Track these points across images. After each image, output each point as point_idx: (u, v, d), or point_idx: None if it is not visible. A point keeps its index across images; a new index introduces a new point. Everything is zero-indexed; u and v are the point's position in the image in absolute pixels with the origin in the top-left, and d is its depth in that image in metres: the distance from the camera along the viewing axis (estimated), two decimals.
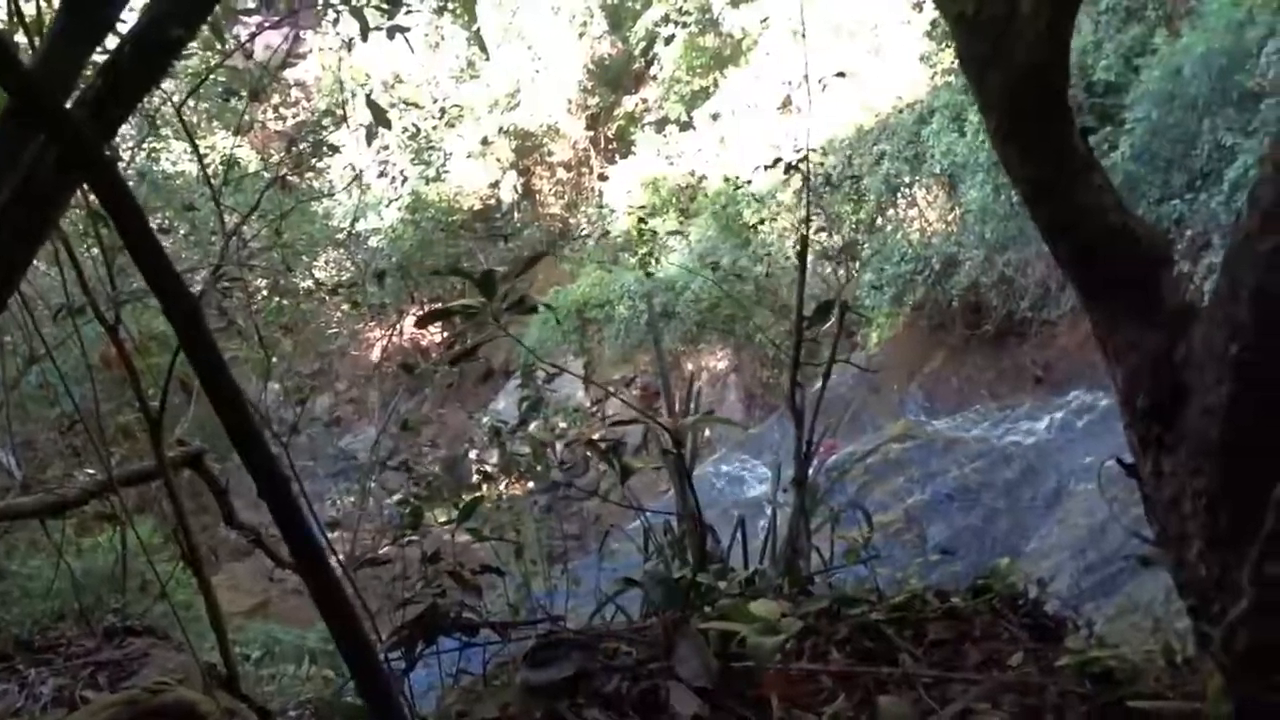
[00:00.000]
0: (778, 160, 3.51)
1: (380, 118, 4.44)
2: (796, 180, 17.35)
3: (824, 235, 16.88)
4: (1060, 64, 1.86)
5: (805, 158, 3.43)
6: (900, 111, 15.88)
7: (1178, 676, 1.99)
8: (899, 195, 15.64)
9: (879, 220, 15.96)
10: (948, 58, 15.90)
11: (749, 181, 14.31)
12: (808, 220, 3.23)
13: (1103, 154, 12.40)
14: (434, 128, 22.33)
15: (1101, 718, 1.86)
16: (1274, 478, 1.69)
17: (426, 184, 22.67)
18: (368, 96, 4.46)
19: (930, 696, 1.97)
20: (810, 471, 3.88)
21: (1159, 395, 1.93)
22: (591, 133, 24.60)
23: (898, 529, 7.20)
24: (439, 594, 2.79)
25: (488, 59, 24.42)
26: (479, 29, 24.21)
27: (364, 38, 5.00)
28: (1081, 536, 6.45)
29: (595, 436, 2.36)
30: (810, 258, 3.79)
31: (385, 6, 5.18)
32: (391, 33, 5.21)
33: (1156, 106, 11.64)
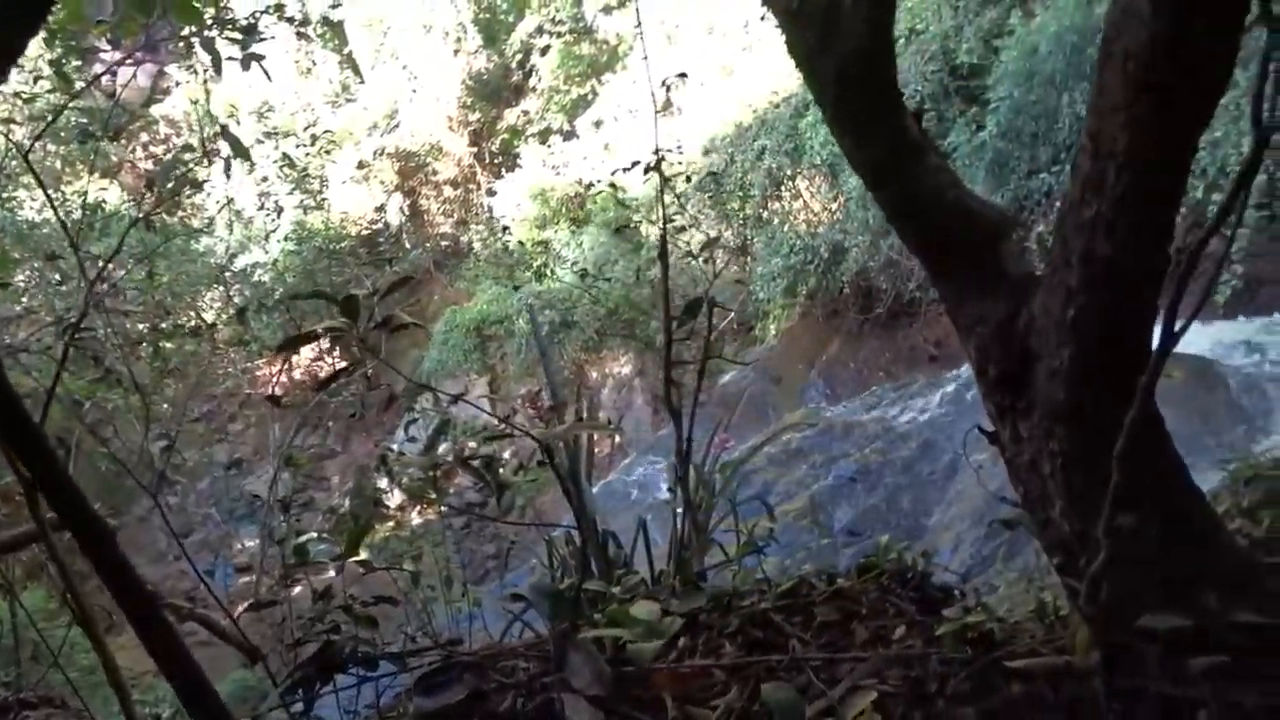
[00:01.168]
0: (635, 163, 3.53)
1: (238, 149, 4.31)
2: (679, 182, 17.53)
3: (711, 233, 17.09)
4: (885, 51, 1.91)
5: (662, 159, 3.46)
6: (777, 106, 16.16)
7: (1052, 632, 2.05)
8: (782, 188, 15.90)
9: (765, 214, 16.19)
10: None
11: (623, 189, 14.42)
12: (664, 223, 3.23)
13: (972, 133, 12.83)
14: (308, 155, 21.85)
15: (981, 680, 1.91)
16: (1119, 435, 1.76)
17: (306, 213, 22.17)
18: (223, 128, 4.31)
19: (820, 679, 1.99)
20: (705, 468, 3.91)
21: (1008, 364, 2.00)
22: (475, 148, 24.40)
23: (804, 516, 7.33)
24: (332, 630, 2.73)
25: (362, 82, 24.04)
26: (350, 52, 23.83)
27: (217, 70, 4.84)
28: (979, 506, 6.65)
29: (468, 453, 2.32)
30: (700, 257, 3.82)
31: (238, 37, 5.04)
32: (246, 62, 5.06)
33: (1017, 85, 12.08)
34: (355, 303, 2.02)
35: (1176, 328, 1.61)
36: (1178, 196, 1.71)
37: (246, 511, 20.35)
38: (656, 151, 3.30)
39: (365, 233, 23.87)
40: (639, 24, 20.44)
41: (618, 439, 19.93)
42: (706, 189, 16.47)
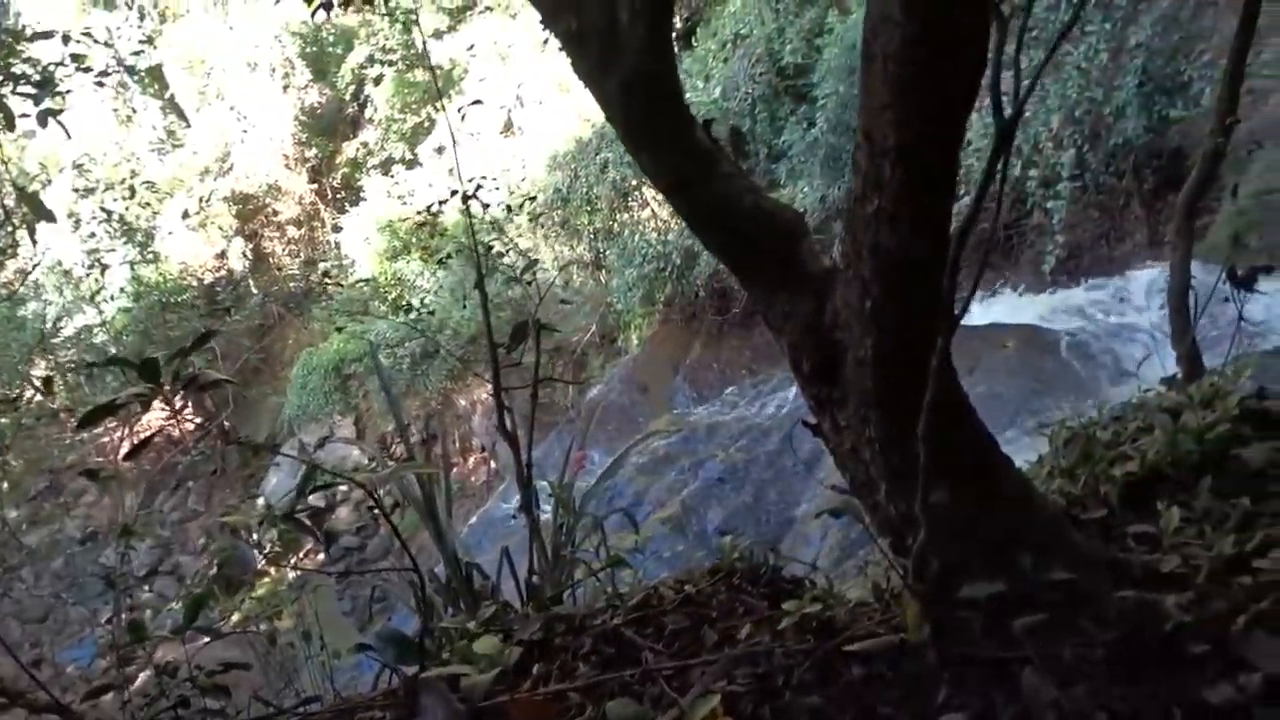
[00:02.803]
0: (455, 192, 3.50)
1: (37, 211, 4.08)
2: (527, 205, 17.50)
3: (564, 250, 17.14)
4: (666, 67, 1.95)
5: (478, 187, 3.44)
6: None
7: (888, 612, 2.13)
8: (629, 199, 16.07)
9: (615, 226, 16.33)
10: None
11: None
12: (476, 248, 3.22)
13: (804, 130, 13.26)
14: (127, 208, 20.87)
15: (823, 667, 1.96)
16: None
17: (133, 268, 21.17)
18: (20, 189, 4.08)
19: (671, 688, 2.00)
20: (565, 486, 3.90)
21: (818, 357, 2.07)
22: (316, 185, 23.80)
23: (676, 521, 7.41)
24: (180, 704, 2.61)
25: (188, 126, 23.12)
26: (172, 96, 22.89)
27: (9, 127, 4.59)
28: (843, 493, 6.82)
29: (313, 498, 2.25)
30: (525, 280, 3.79)
31: (32, 92, 4.77)
32: (43, 119, 4.80)
33: (840, 81, 12.54)
34: (155, 366, 1.94)
35: (957, 309, 1.69)
36: (952, 185, 1.80)
37: (105, 588, 19.26)
38: (472, 179, 3.28)
39: (208, 281, 22.96)
40: (471, 46, 20.36)
41: (494, 465, 19.74)
42: (555, 205, 16.51)
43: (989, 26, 1.63)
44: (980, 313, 11.35)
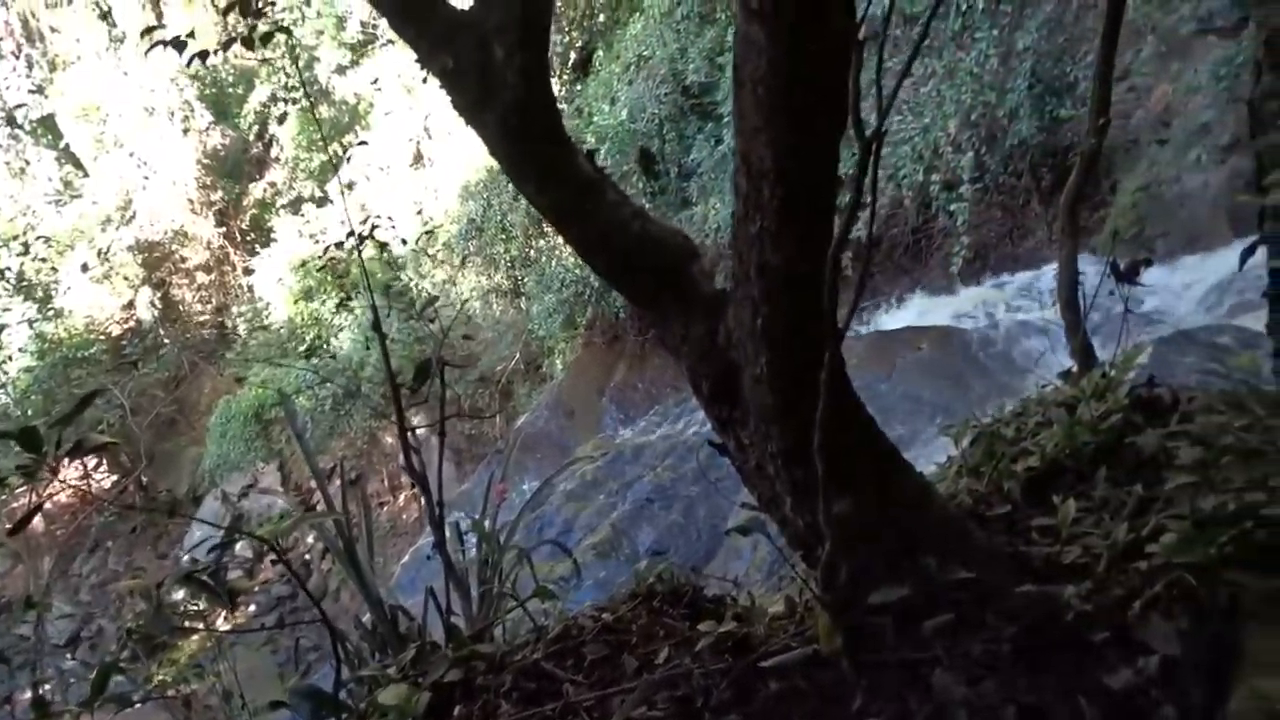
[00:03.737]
0: (351, 233, 3.46)
1: None
2: (440, 235, 17.37)
3: (482, 279, 17.04)
4: (544, 100, 1.96)
5: (373, 227, 3.41)
6: None
7: (803, 624, 2.15)
8: (544, 225, 16.05)
9: (531, 253, 16.30)
10: (556, 86, 16.54)
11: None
12: (370, 291, 3.19)
13: (712, 147, 13.41)
14: (24, 263, 20.18)
15: (741, 685, 1.97)
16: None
17: (32, 325, 20.45)
18: None
19: (594, 718, 2.00)
20: (487, 520, 3.87)
21: (716, 377, 2.09)
22: (224, 228, 23.29)
23: (608, 545, 7.39)
24: None
25: (86, 176, 22.47)
26: (67, 145, 22.23)
27: None
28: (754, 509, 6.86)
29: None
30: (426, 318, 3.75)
31: None
32: None
33: None
34: (35, 435, 1.87)
35: (853, 318, 1.73)
36: (831, 202, 1.83)
37: (26, 660, 18.46)
38: (365, 221, 3.24)
39: (116, 334, 22.28)
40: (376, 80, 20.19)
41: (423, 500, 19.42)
42: (470, 236, 16.42)
43: (851, 49, 1.68)
44: (895, 316, 11.59)
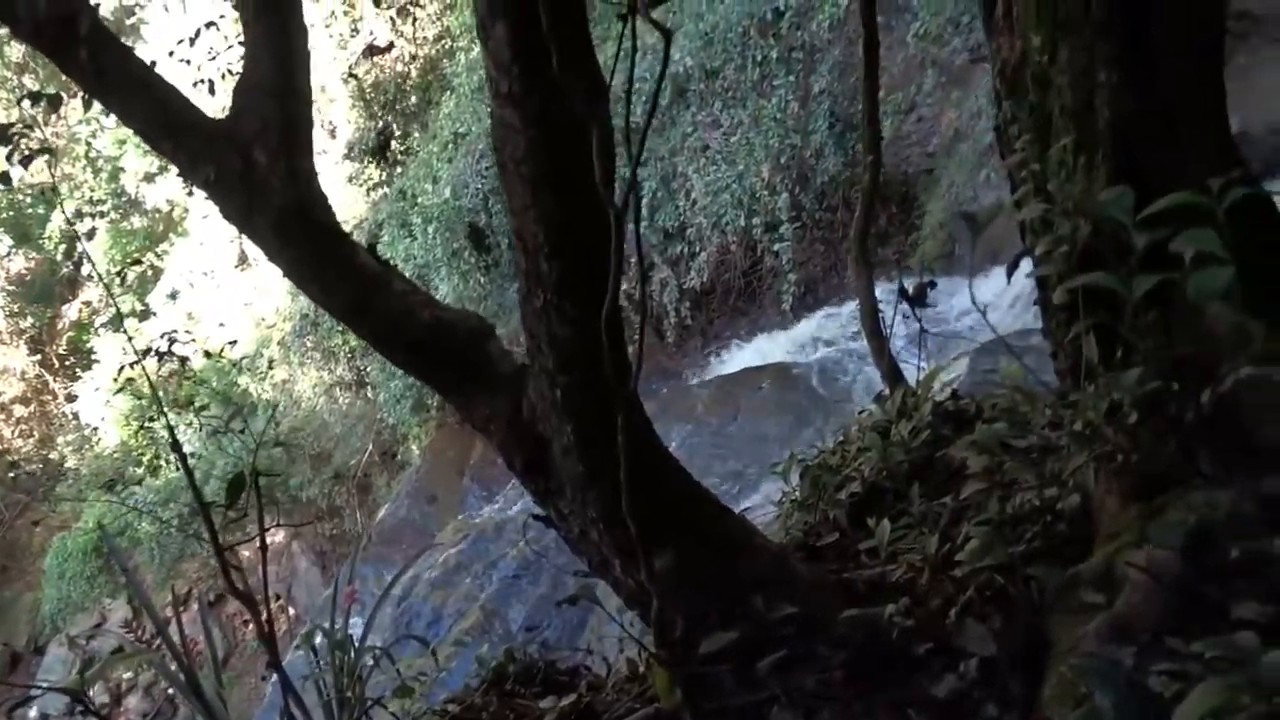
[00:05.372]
0: (147, 352, 3.33)
1: None
2: (275, 335, 16.84)
3: (324, 374, 16.61)
4: (318, 199, 1.96)
5: (171, 343, 3.30)
6: (351, 234, 16.05)
7: (645, 684, 2.16)
8: None
9: None
10: (373, 173, 16.43)
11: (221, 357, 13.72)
12: (164, 410, 3.08)
13: None
14: None
15: None
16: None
17: None
18: None
19: None
20: (338, 626, 3.73)
21: (526, 452, 2.10)
22: (39, 356, 21.94)
23: (479, 628, 7.23)
24: None
25: None
26: None
27: None
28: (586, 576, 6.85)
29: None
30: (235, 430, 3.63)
31: None
32: None
33: None
34: None
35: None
36: (604, 269, 1.88)
37: None
38: (164, 335, 3.12)
39: None
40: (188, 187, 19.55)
41: (292, 611, 18.62)
42: (305, 331, 16.00)
43: (606, 123, 1.74)
44: (737, 357, 11.87)
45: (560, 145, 1.70)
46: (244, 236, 1.96)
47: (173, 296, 19.91)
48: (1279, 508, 1.85)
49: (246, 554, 18.90)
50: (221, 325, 18.30)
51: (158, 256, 20.19)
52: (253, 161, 1.87)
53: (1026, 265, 2.55)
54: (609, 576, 2.22)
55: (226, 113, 1.92)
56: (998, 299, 9.37)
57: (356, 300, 2.02)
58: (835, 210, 11.88)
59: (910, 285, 3.11)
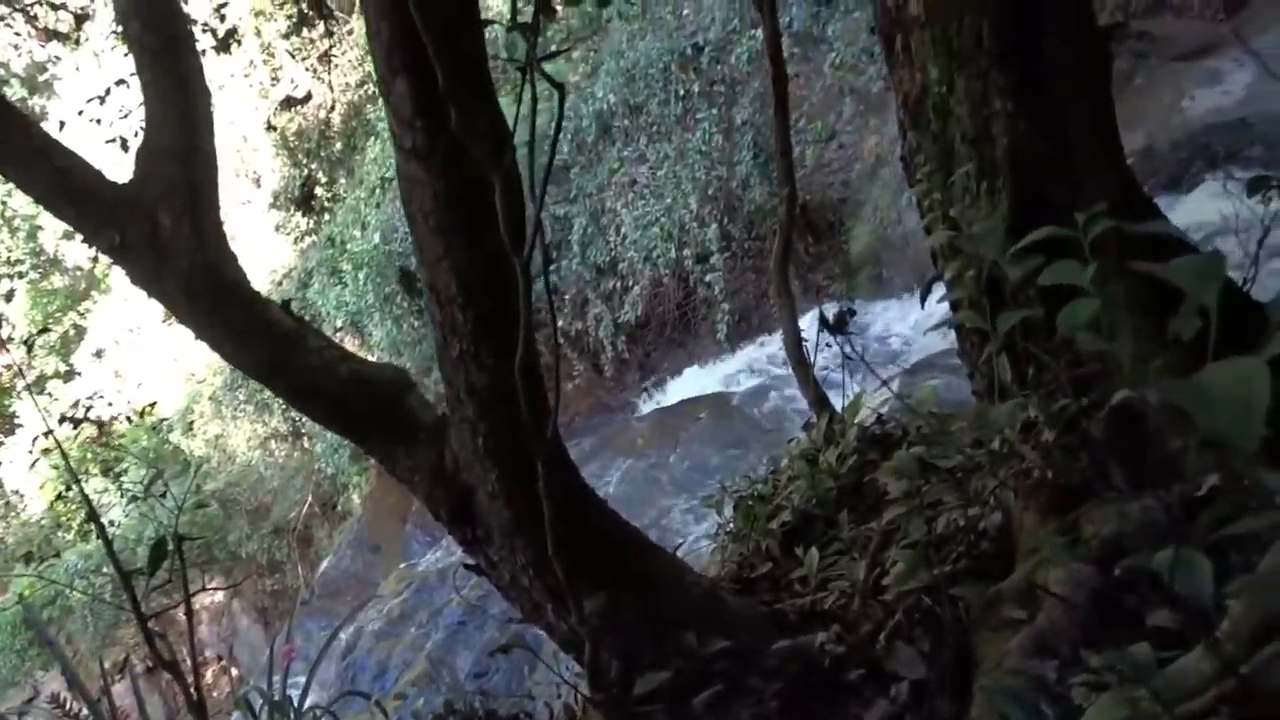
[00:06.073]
0: (64, 419, 3.24)
1: None
2: (206, 390, 16.52)
3: (258, 427, 16.31)
4: (227, 259, 1.94)
5: (88, 409, 3.22)
6: (280, 284, 15.88)
7: None
8: None
9: None
10: (300, 221, 16.26)
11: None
12: (78, 480, 3.01)
13: None
14: None
15: None
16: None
17: None
18: None
19: None
20: (277, 685, 3.66)
21: (452, 501, 2.09)
22: None
23: (427, 677, 7.11)
24: None
25: None
26: None
27: None
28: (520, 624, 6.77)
29: None
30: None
31: None
32: None
33: None
34: None
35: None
36: (516, 316, 1.89)
37: None
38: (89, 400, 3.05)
39: None
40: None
41: (235, 672, 18.13)
42: (237, 385, 15.70)
43: (510, 174, 1.76)
44: (675, 389, 11.91)
45: (467, 197, 1.72)
46: (152, 295, 1.93)
47: (98, 355, 19.44)
48: (1186, 515, 1.92)
49: (182, 616, 18.40)
50: (139, 385, 17.93)
51: (81, 315, 19.69)
52: (159, 225, 1.86)
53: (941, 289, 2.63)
54: (542, 622, 2.21)
55: (131, 177, 1.90)
56: (926, 319, 9.57)
57: (271, 359, 2.00)
58: (764, 239, 12.02)
59: (830, 314, 3.17)
